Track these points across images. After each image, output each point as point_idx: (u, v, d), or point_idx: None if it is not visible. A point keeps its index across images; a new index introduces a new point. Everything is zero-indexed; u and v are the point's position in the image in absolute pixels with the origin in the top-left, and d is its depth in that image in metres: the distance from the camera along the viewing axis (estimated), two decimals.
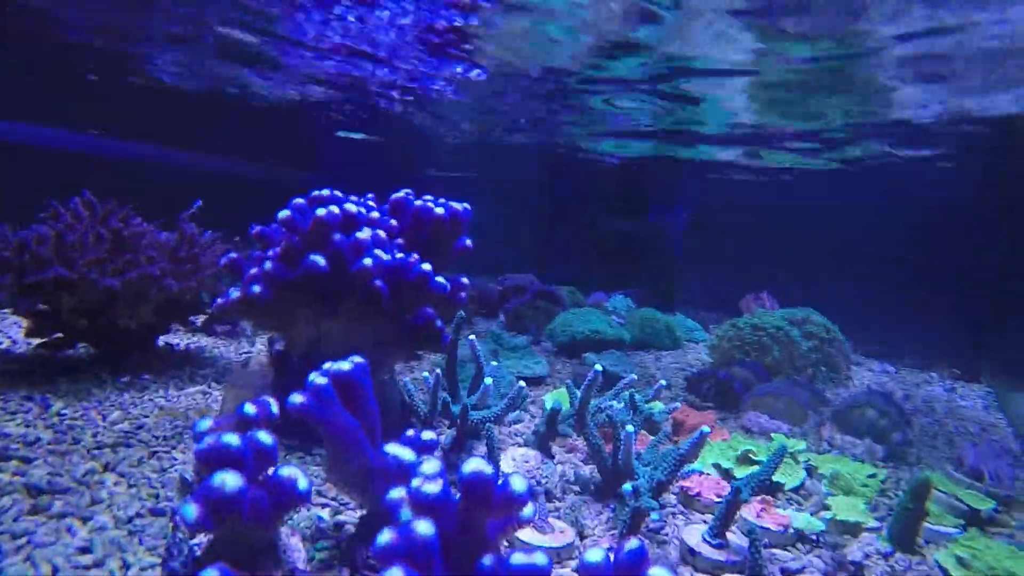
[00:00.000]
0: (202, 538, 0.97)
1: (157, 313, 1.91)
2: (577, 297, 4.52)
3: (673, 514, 1.39)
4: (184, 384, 1.85)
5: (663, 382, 1.43)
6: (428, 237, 1.75)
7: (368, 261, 1.43)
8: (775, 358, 2.64)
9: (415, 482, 0.83)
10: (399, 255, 1.57)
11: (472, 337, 1.55)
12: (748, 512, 1.34)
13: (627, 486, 1.12)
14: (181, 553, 0.84)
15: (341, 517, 1.20)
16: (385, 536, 0.76)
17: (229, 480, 0.76)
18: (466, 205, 1.82)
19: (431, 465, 0.88)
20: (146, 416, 1.57)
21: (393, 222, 1.66)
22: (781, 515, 1.33)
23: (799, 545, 1.30)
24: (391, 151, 6.94)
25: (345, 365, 1.02)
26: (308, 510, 1.21)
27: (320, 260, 1.41)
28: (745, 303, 3.61)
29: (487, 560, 0.81)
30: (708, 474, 1.57)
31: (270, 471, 0.87)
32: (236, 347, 2.39)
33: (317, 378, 0.98)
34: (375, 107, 4.68)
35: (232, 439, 0.82)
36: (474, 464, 0.82)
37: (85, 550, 0.99)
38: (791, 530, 1.29)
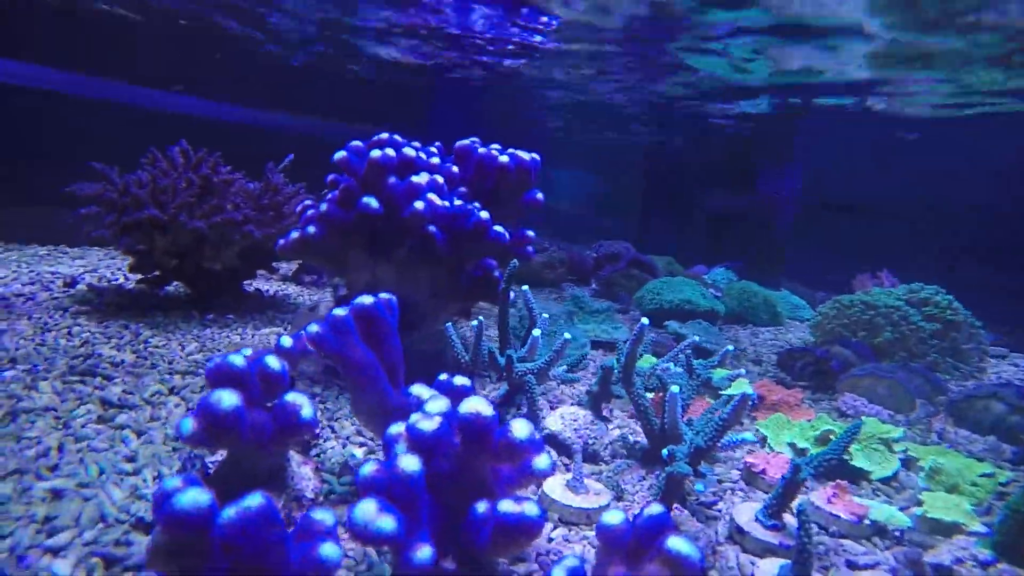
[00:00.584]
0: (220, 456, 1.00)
1: (241, 258, 2.02)
2: (675, 268, 4.31)
3: (732, 490, 1.27)
4: (262, 325, 1.94)
5: (729, 347, 1.28)
6: (492, 187, 1.70)
7: (420, 205, 1.40)
8: (887, 340, 2.34)
9: (413, 417, 0.79)
10: (458, 203, 1.53)
11: (525, 288, 1.48)
12: (819, 497, 1.19)
13: (664, 451, 1.02)
14: (194, 467, 0.86)
15: (373, 456, 1.19)
16: (367, 468, 0.72)
17: (225, 398, 0.76)
18: (535, 155, 1.74)
19: (436, 404, 0.83)
20: (219, 350, 1.66)
21: (455, 169, 1.62)
22: (858, 504, 1.16)
23: (876, 540, 1.13)
24: (499, 110, 6.88)
25: (367, 299, 1.00)
26: (344, 447, 1.22)
27: (373, 202, 1.40)
28: (860, 282, 3.24)
29: (481, 507, 0.75)
30: (780, 453, 1.41)
31: (279, 397, 0.86)
32: (320, 296, 2.49)
33: (337, 310, 0.96)
34: (482, 65, 4.63)
35: (236, 359, 0.82)
36: (471, 404, 0.77)
37: (131, 459, 1.06)
38: (867, 521, 1.13)
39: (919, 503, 1.24)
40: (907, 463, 1.46)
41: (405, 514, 0.70)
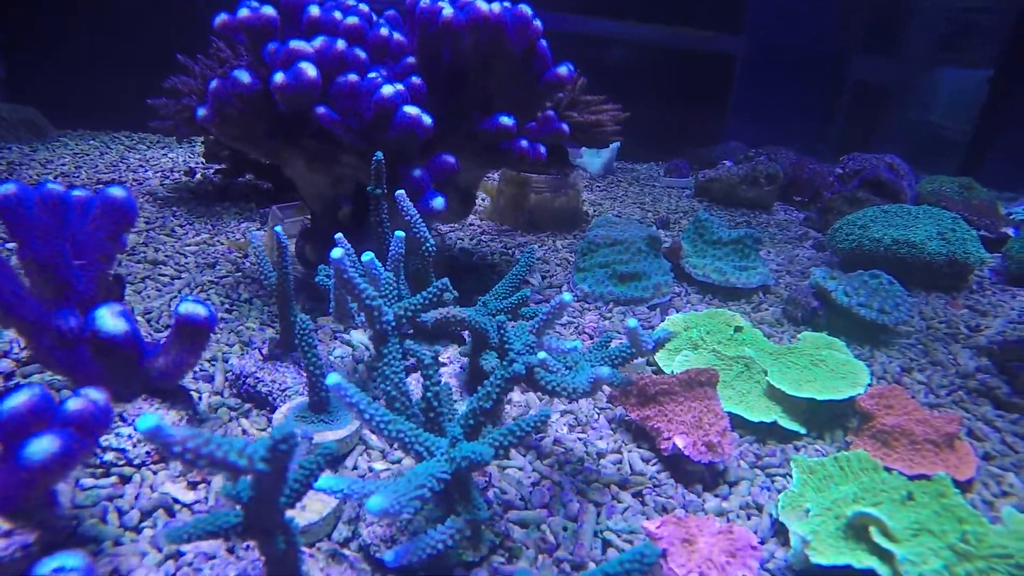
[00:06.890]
0: None
1: None
2: (975, 193, 2.93)
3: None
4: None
5: (566, 296, 0.68)
6: (452, 61, 1.23)
7: (280, 78, 1.07)
8: None
9: None
10: (373, 76, 1.14)
11: (400, 192, 1.05)
12: None
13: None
14: None
15: None
16: None
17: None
18: (524, 7, 1.20)
19: None
20: (219, 243, 1.64)
21: (384, 32, 1.21)
22: None
23: None
24: None
25: (7, 188, 0.78)
26: None
27: (243, 76, 1.13)
28: None
29: None
30: (736, 525, 0.77)
31: None
32: None
33: None
34: None
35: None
36: None
37: None
38: None
39: None
40: None
41: None
